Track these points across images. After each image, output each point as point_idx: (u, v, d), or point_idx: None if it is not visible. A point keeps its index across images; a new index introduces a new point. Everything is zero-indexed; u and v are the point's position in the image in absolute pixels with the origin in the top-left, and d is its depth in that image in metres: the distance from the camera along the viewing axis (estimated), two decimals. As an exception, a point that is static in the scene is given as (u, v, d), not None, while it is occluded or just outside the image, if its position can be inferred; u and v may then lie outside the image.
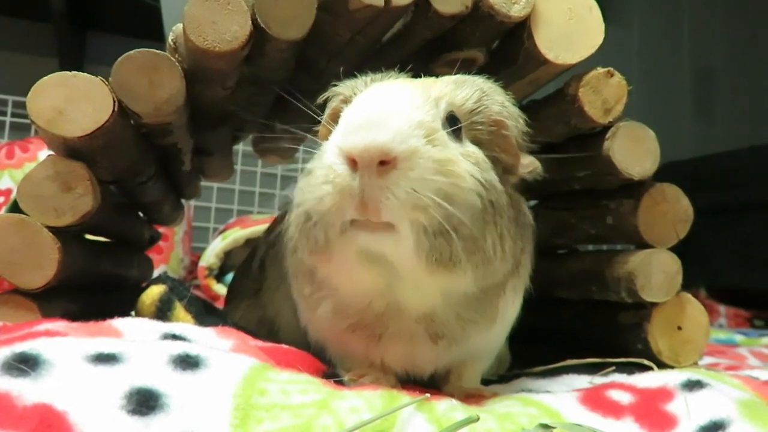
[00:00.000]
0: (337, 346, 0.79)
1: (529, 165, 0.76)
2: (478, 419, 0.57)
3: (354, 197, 0.61)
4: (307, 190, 0.66)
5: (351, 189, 0.61)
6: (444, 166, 0.63)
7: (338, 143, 0.63)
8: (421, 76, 0.76)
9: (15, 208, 0.79)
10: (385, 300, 0.70)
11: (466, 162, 0.66)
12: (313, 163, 0.68)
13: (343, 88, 0.77)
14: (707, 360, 1.28)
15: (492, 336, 0.79)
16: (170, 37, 0.84)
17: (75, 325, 0.68)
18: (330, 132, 0.69)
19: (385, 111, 0.62)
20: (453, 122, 0.70)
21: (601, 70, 0.89)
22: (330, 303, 0.74)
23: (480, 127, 0.72)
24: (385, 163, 0.60)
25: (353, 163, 0.61)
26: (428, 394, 0.61)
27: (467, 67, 0.94)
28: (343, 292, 0.71)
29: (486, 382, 0.88)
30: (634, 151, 0.91)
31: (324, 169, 0.64)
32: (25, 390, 0.49)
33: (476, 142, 0.72)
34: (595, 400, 0.69)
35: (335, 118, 0.72)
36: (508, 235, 0.70)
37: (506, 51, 0.93)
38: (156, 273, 1.36)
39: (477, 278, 0.68)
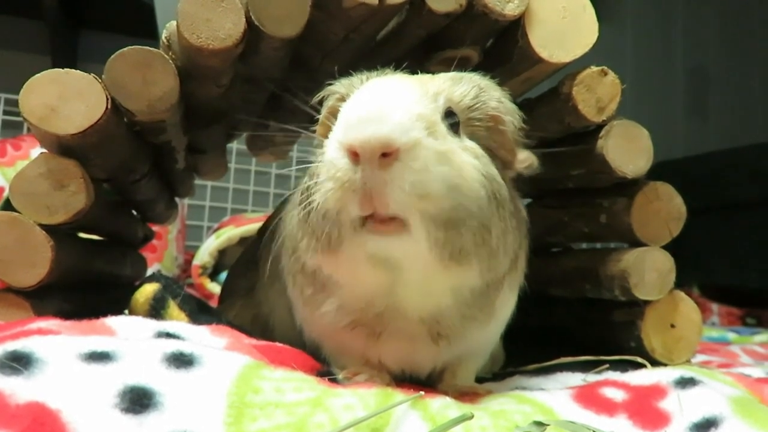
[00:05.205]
0: (334, 344, 0.79)
1: (525, 160, 0.76)
2: (472, 417, 0.57)
3: (356, 191, 0.60)
4: (313, 190, 0.65)
5: (353, 183, 0.60)
6: (446, 156, 0.63)
7: (339, 138, 0.62)
8: (417, 74, 0.76)
9: (7, 206, 0.79)
10: (386, 299, 0.69)
11: (467, 155, 0.67)
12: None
13: (340, 86, 0.77)
14: (700, 358, 1.29)
15: (489, 332, 0.80)
16: (164, 35, 0.83)
17: (68, 323, 0.67)
18: (329, 129, 0.69)
19: (385, 104, 0.62)
20: (451, 118, 0.69)
21: (595, 68, 0.89)
22: (332, 302, 0.73)
23: (477, 123, 0.72)
24: (387, 155, 0.59)
25: (355, 156, 0.60)
26: (422, 392, 0.61)
27: (461, 66, 0.94)
28: (347, 291, 0.71)
29: (480, 380, 0.88)
30: (627, 150, 0.91)
31: (326, 166, 0.63)
32: (18, 389, 0.49)
33: (474, 138, 0.72)
34: (588, 397, 0.70)
35: (333, 116, 0.72)
36: (510, 229, 0.70)
37: (500, 49, 0.94)
38: (150, 271, 1.35)
39: (482, 272, 0.68)
